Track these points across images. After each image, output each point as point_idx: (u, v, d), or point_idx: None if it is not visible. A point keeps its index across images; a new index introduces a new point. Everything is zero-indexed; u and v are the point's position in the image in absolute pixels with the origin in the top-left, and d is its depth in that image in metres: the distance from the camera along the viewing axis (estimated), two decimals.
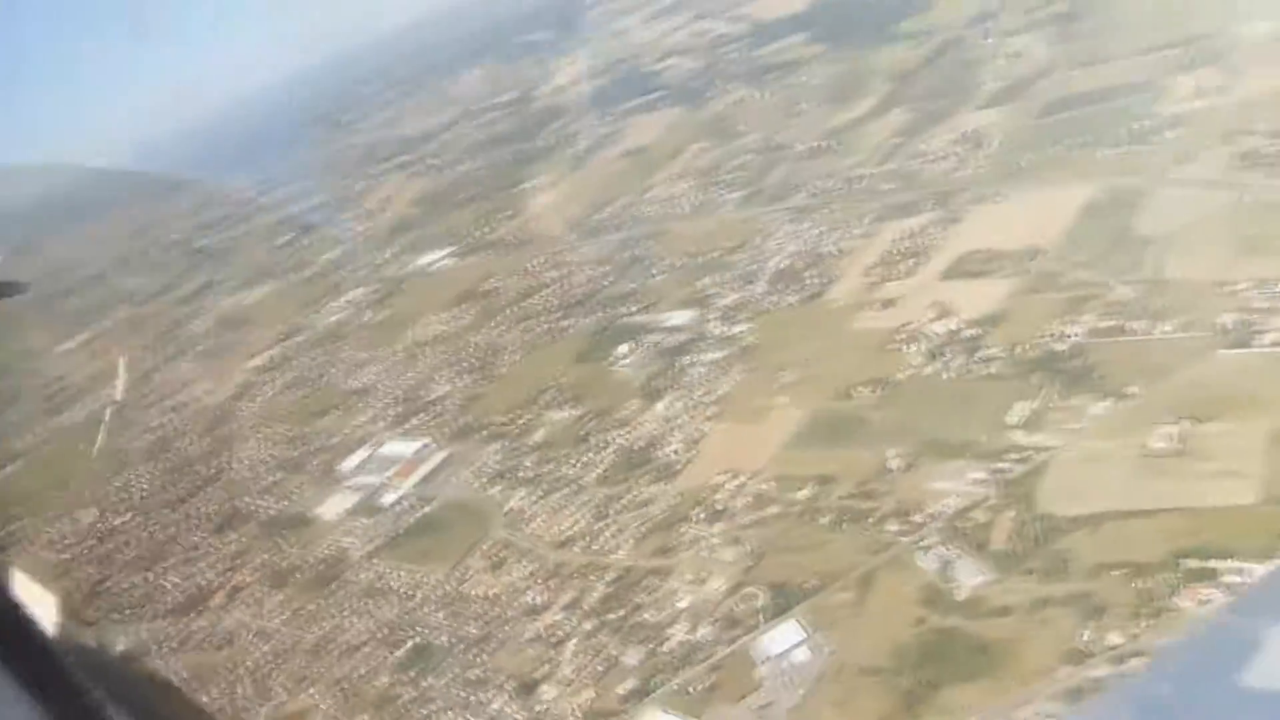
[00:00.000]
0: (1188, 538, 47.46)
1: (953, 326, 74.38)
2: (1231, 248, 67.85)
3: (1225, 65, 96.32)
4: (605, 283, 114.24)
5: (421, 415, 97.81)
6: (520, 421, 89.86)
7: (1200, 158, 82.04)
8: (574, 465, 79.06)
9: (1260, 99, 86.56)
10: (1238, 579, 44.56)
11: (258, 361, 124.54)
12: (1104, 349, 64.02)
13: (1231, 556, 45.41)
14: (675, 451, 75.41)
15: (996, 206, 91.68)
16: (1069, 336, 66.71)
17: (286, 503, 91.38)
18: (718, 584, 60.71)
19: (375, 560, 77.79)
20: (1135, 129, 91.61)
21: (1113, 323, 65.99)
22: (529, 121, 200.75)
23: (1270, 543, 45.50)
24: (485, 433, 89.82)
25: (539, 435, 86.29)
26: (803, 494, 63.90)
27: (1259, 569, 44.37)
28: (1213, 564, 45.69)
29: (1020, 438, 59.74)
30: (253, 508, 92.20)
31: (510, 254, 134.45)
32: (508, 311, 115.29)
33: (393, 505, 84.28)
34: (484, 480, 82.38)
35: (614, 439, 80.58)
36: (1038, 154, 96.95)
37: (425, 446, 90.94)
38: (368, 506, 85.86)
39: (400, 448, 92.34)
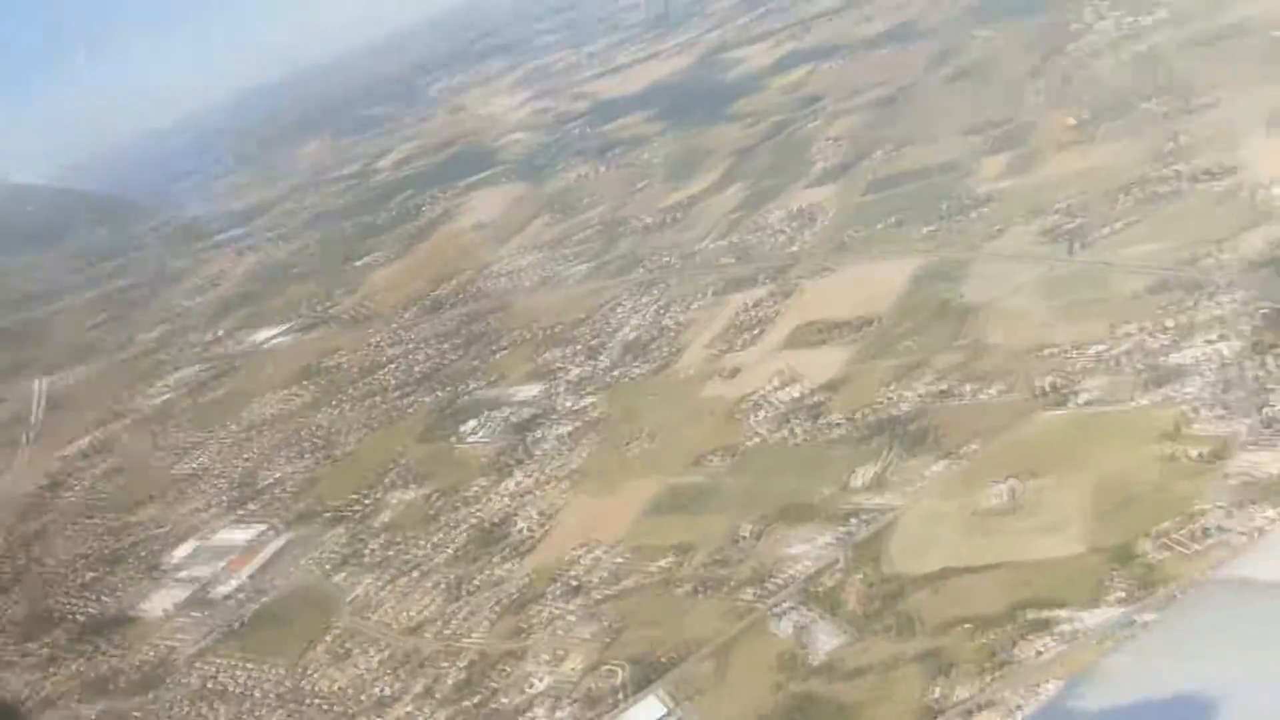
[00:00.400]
0: (1024, 590, 49.93)
1: (797, 394, 76.77)
2: (1044, 315, 73.23)
3: (1023, 149, 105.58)
4: (450, 358, 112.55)
5: (257, 500, 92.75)
6: (364, 503, 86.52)
7: (1010, 232, 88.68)
8: (423, 546, 76.44)
9: (1055, 180, 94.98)
10: (1070, 628, 47.14)
11: (75, 448, 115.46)
12: (938, 412, 67.37)
13: (1064, 606, 48.02)
14: (528, 527, 74.13)
15: (830, 279, 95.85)
16: (905, 401, 69.90)
17: (105, 602, 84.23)
18: (576, 662, 59.46)
19: (207, 659, 72.35)
20: (951, 206, 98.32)
21: (944, 387, 69.64)
22: (370, 195, 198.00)
23: (1096, 591, 48.47)
24: (327, 516, 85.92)
25: (385, 517, 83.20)
26: (660, 564, 63.83)
27: (1089, 617, 47.15)
28: (1047, 614, 48.10)
29: (866, 500, 61.76)
30: (66, 609, 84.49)
31: (350, 330, 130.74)
32: (349, 389, 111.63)
33: (227, 598, 79.04)
34: (327, 567, 78.50)
35: (464, 517, 78.57)
36: (865, 229, 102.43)
37: (262, 534, 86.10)
38: (198, 601, 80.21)
39: (234, 536, 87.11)
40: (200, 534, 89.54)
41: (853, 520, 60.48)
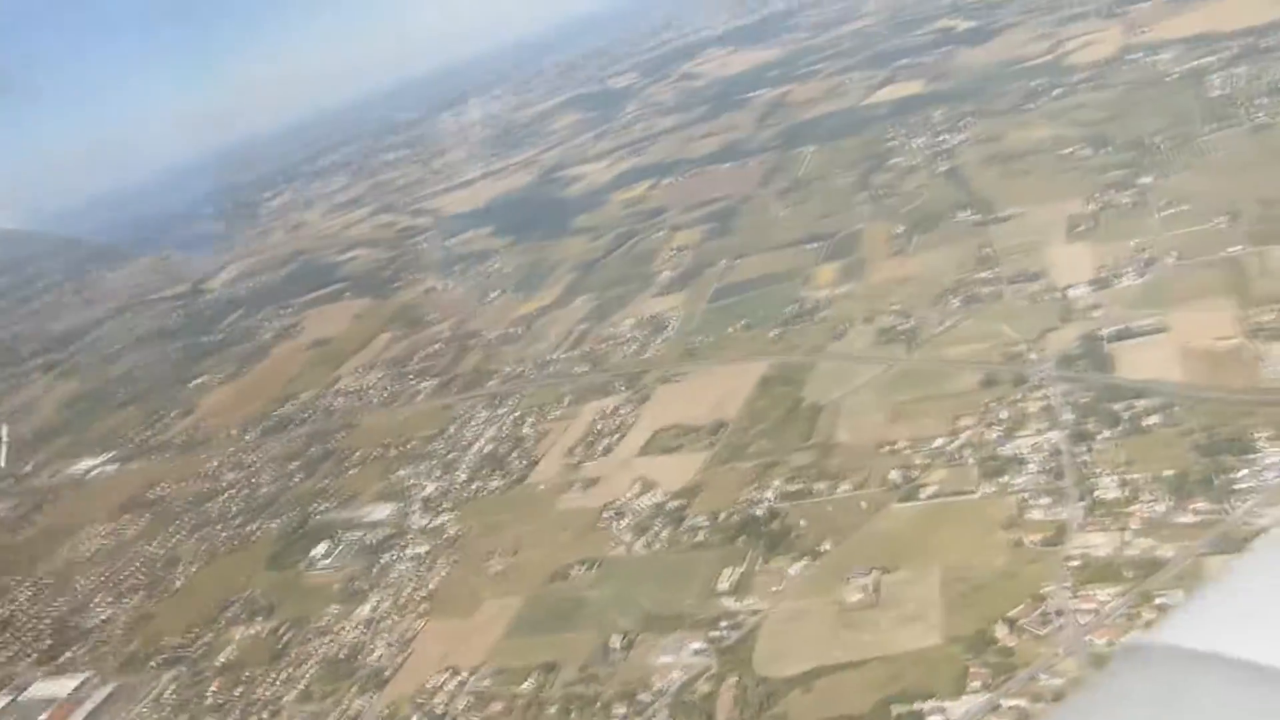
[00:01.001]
0: (891, 684, 50.61)
1: (657, 500, 76.89)
2: (887, 412, 76.67)
3: (853, 257, 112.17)
4: (296, 480, 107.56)
5: (79, 646, 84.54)
6: (202, 641, 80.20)
7: (850, 334, 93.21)
8: (271, 684, 71.14)
9: (885, 286, 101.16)
10: (939, 718, 47.96)
11: None
12: (795, 511, 68.77)
13: (930, 697, 48.92)
14: (385, 656, 70.23)
15: (682, 384, 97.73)
16: (763, 502, 71.08)
17: None
18: None
19: None
20: (792, 311, 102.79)
21: (799, 486, 71.37)
22: (202, 314, 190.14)
23: (959, 680, 49.65)
24: (161, 658, 79.04)
25: (227, 654, 77.21)
26: (526, 686, 61.47)
27: (954, 706, 48.13)
28: (916, 707, 48.83)
29: (732, 604, 61.77)
30: None
31: (184, 455, 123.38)
32: (184, 519, 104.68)
33: None
34: (161, 714, 71.73)
35: (315, 649, 73.85)
36: (713, 335, 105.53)
37: (85, 682, 78.14)
38: None
39: (52, 687, 78.66)
40: (11, 688, 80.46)
41: (721, 625, 60.25)
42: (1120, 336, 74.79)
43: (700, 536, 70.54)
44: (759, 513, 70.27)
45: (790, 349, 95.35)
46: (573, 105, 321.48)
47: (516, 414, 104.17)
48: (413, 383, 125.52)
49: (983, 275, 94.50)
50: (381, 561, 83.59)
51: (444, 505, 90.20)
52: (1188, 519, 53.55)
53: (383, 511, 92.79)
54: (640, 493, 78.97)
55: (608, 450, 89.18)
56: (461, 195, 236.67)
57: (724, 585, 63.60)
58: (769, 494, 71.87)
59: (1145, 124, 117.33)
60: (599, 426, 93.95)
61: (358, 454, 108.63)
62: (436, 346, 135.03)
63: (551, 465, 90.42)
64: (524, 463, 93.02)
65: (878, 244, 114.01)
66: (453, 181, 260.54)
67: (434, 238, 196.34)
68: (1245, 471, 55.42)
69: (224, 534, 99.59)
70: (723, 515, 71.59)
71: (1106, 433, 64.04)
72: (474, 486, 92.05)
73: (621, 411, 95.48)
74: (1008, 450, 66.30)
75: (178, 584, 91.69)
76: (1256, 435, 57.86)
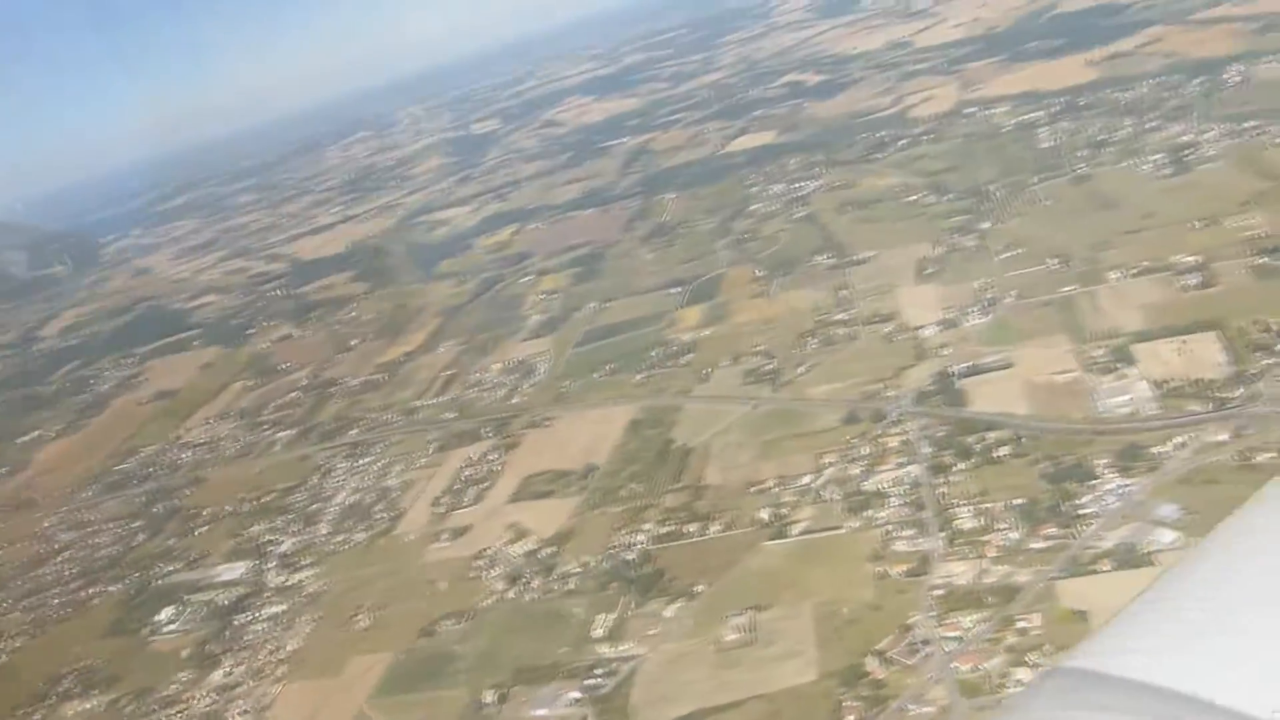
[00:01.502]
0: None
1: (529, 547, 75.60)
2: (755, 452, 77.95)
3: (717, 300, 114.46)
4: (139, 540, 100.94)
5: None
6: None
7: (715, 376, 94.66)
8: None
9: (748, 328, 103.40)
10: None
11: None
12: (668, 553, 68.86)
13: None
14: None
15: (551, 429, 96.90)
16: (636, 545, 70.86)
17: None
18: None
19: None
20: (659, 354, 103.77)
21: (671, 528, 71.51)
22: (33, 365, 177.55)
23: (834, 715, 50.36)
24: None
25: None
26: None
27: None
28: None
29: (607, 650, 61.05)
30: None
31: (13, 517, 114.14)
32: (11, 586, 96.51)
33: None
34: None
35: None
36: (581, 379, 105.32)
37: None
38: None
39: None
40: None
41: (597, 672, 59.41)
42: (970, 373, 78.66)
43: (573, 583, 69.61)
44: (632, 557, 70.01)
45: (658, 392, 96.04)
46: (435, 150, 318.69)
47: (381, 463, 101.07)
48: (268, 433, 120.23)
49: (841, 316, 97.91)
50: (235, 623, 79.08)
51: (304, 561, 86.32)
52: (1039, 545, 56.30)
53: (236, 570, 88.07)
54: (511, 540, 77.53)
55: (477, 498, 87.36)
56: (319, 240, 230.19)
57: (599, 632, 62.86)
58: (641, 537, 71.73)
59: (982, 173, 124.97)
60: (467, 474, 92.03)
61: (207, 511, 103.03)
62: (294, 395, 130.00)
63: (419, 515, 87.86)
64: (390, 513, 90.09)
65: (740, 287, 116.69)
66: (309, 225, 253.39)
67: (290, 283, 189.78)
68: (1088, 497, 58.82)
69: (57, 600, 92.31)
70: (595, 561, 70.94)
71: (962, 465, 66.89)
72: (337, 540, 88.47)
73: (490, 458, 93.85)
74: (871, 485, 68.34)
75: (1, 659, 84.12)
76: (1097, 463, 61.63)
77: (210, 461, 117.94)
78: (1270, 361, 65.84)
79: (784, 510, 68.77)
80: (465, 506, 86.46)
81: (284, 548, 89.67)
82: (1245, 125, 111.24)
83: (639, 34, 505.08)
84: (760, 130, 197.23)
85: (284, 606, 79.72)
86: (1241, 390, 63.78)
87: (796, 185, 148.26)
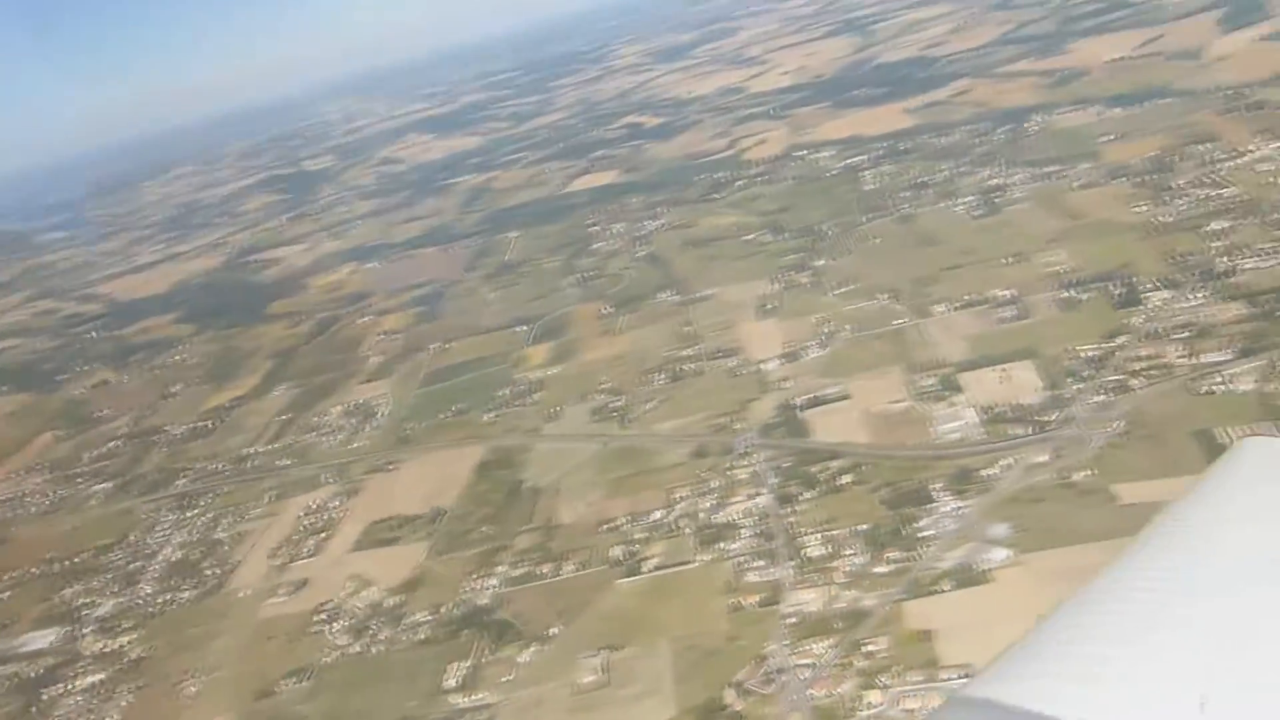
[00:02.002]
0: None
1: (374, 598, 72.49)
2: (605, 490, 77.67)
3: (563, 338, 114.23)
4: None
5: None
6: None
7: (564, 415, 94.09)
8: None
9: (595, 365, 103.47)
10: None
11: None
12: (521, 597, 67.39)
13: None
14: None
15: (396, 473, 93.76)
16: (488, 590, 69.07)
17: None
18: None
19: None
20: (507, 393, 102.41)
21: (524, 570, 70.12)
22: None
23: None
24: None
25: None
26: None
27: None
28: None
29: (460, 700, 59.04)
30: None
31: None
32: None
33: None
34: None
35: None
36: (426, 420, 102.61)
37: None
38: None
39: None
40: None
41: None
42: (811, 404, 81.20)
43: (423, 633, 67.11)
44: (484, 601, 68.20)
45: (507, 431, 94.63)
46: (266, 186, 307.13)
47: (210, 516, 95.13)
48: (83, 486, 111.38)
49: (686, 352, 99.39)
50: (44, 698, 72.19)
51: (124, 624, 79.88)
52: (884, 569, 58.24)
53: (45, 638, 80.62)
54: (355, 591, 74.18)
55: (317, 548, 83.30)
56: (139, 279, 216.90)
57: (451, 682, 60.72)
58: (493, 581, 70.02)
59: (814, 213, 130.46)
60: (306, 523, 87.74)
61: (11, 574, 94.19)
62: (112, 445, 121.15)
63: (253, 569, 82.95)
64: (221, 569, 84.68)
65: (587, 325, 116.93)
66: (128, 264, 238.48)
67: (106, 325, 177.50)
68: (927, 520, 61.39)
69: None
70: (446, 608, 68.68)
71: (808, 494, 68.67)
72: (161, 600, 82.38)
73: (331, 506, 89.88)
74: (721, 518, 69.15)
75: None
76: (933, 487, 64.47)
77: (15, 519, 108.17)
78: (1081, 386, 70.89)
79: (637, 547, 68.63)
80: (304, 558, 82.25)
81: (101, 611, 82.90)
82: (1046, 169, 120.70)
83: (475, 74, 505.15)
84: (602, 170, 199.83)
85: (102, 675, 73.45)
86: (1058, 414, 68.36)
87: (639, 224, 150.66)
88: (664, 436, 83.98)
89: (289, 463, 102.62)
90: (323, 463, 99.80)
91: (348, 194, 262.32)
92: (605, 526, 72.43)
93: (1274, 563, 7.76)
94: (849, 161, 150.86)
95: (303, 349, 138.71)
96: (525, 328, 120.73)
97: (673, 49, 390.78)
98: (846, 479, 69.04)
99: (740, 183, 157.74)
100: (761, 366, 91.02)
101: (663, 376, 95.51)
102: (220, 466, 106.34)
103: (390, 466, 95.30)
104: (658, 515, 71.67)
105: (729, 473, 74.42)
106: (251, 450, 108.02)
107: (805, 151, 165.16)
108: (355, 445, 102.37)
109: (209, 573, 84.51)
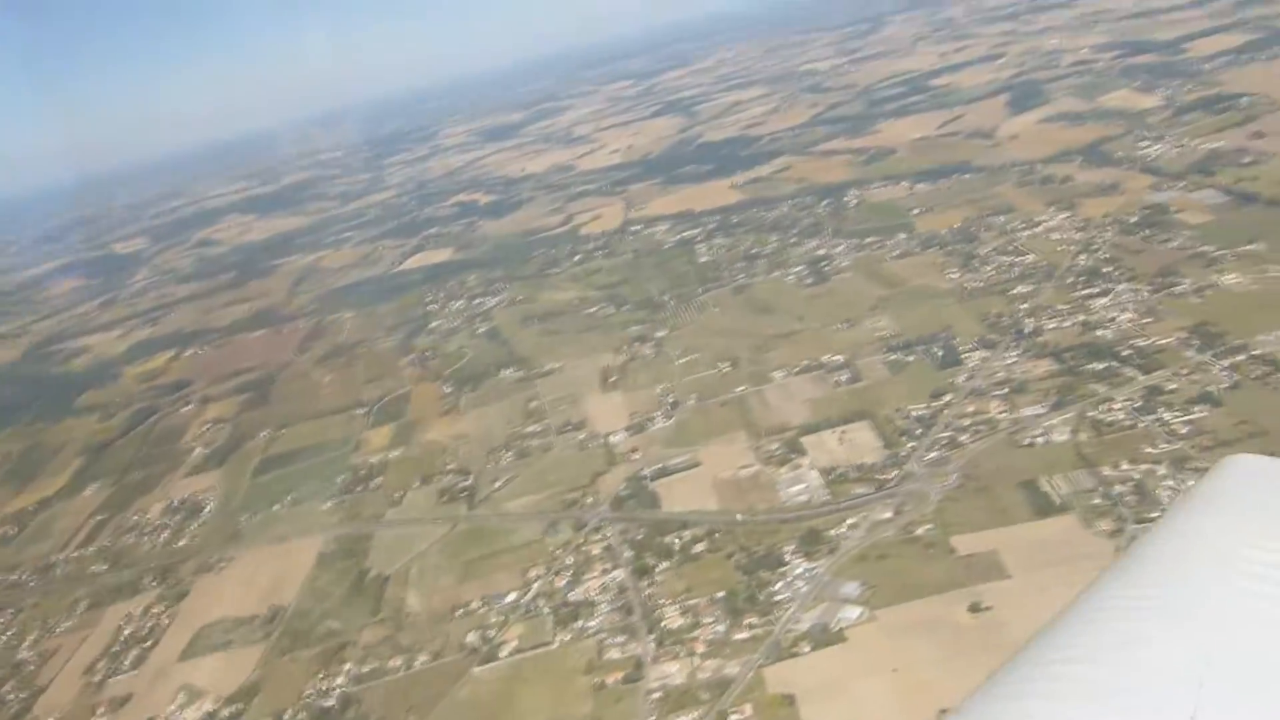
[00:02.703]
0: None
1: (206, 710, 66.96)
2: (456, 574, 75.15)
3: (404, 419, 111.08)
4: None
5: None
6: None
7: (408, 498, 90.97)
8: None
9: (439, 445, 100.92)
10: None
11: None
12: (371, 694, 63.76)
13: None
14: None
15: (228, 571, 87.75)
16: (334, 690, 65.08)
17: None
18: None
19: None
20: (347, 479, 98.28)
21: (373, 665, 66.52)
22: None
23: None
24: None
25: None
26: None
27: None
28: None
29: None
30: None
31: None
32: None
33: None
34: None
35: None
36: (260, 513, 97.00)
37: None
38: None
39: None
40: None
41: None
42: (661, 474, 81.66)
43: None
44: (330, 703, 64.17)
45: (348, 519, 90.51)
46: (70, 271, 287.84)
47: (10, 634, 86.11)
48: None
49: (532, 428, 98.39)
50: None
51: None
52: (744, 635, 58.46)
53: None
54: (185, 704, 68.37)
55: (140, 660, 76.44)
56: None
57: None
58: (340, 680, 66.05)
59: (653, 285, 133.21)
60: (127, 633, 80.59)
61: None
62: None
63: (65, 689, 75.20)
64: (25, 692, 76.39)
65: (428, 405, 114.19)
66: None
67: None
68: (781, 584, 62.30)
69: None
70: (289, 714, 64.20)
71: (664, 565, 68.50)
72: None
73: (154, 612, 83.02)
74: (578, 595, 67.98)
75: None
76: (784, 550, 65.67)
77: None
78: (914, 444, 74.40)
79: (492, 632, 66.41)
80: (126, 672, 75.27)
81: None
82: (866, 240, 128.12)
83: (297, 154, 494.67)
84: (436, 248, 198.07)
85: None
86: (896, 471, 71.36)
87: (477, 301, 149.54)
88: (515, 515, 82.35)
89: (104, 568, 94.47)
90: (143, 566, 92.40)
91: (161, 278, 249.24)
92: (459, 612, 69.89)
93: (1257, 579, 8.01)
94: (683, 235, 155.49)
95: (118, 443, 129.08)
96: (363, 410, 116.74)
97: (501, 128, 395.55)
98: (701, 547, 69.39)
99: (578, 257, 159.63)
100: (609, 439, 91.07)
101: (510, 454, 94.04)
102: (22, 577, 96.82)
103: (220, 565, 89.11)
104: (513, 597, 69.79)
105: (583, 548, 73.52)
106: (60, 557, 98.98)
107: (640, 226, 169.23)
108: (180, 544, 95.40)
109: (9, 699, 76.02)
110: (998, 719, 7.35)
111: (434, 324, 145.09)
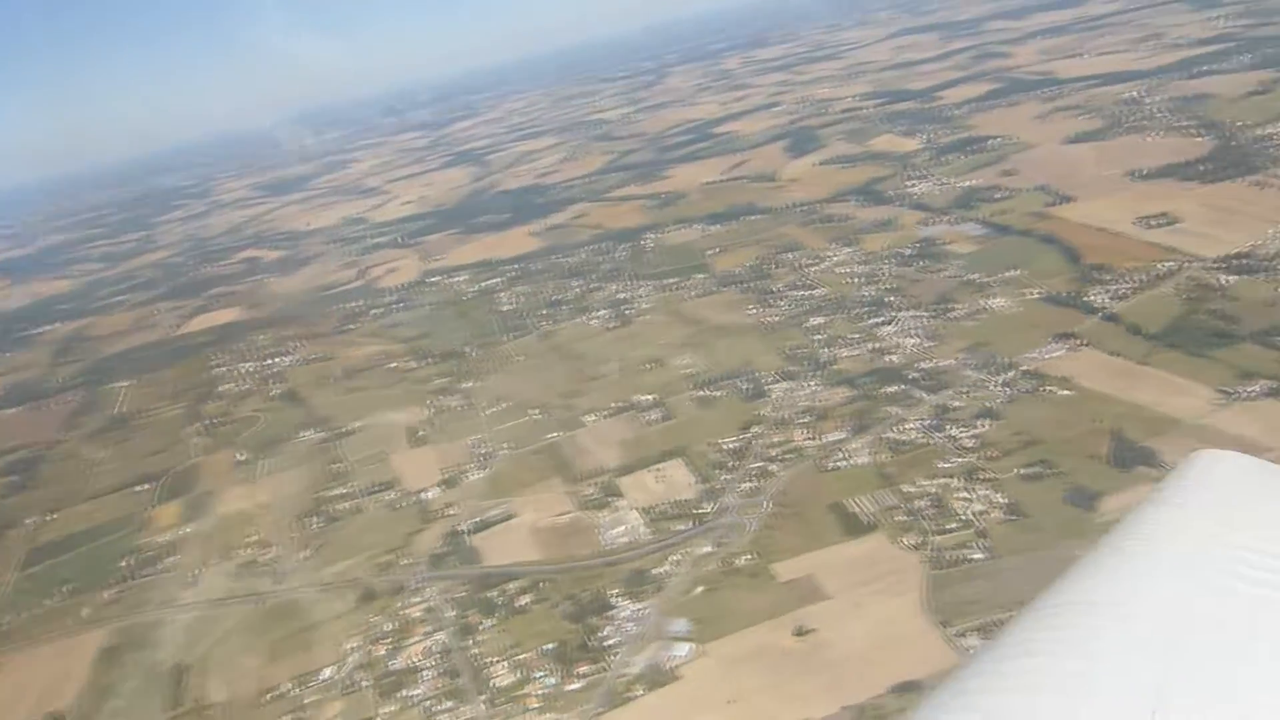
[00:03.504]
0: None
1: None
2: (265, 655, 69.95)
3: (196, 493, 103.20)
4: None
5: None
6: None
7: (206, 578, 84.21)
8: None
9: (239, 517, 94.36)
10: None
11: None
12: None
13: None
14: None
15: None
16: None
17: None
18: None
19: None
20: (133, 562, 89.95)
21: None
22: None
23: None
24: None
25: None
26: None
27: None
28: None
29: None
30: None
31: None
32: None
33: None
34: None
35: None
36: (27, 611, 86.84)
37: None
38: None
39: None
40: None
41: None
42: (479, 528, 79.66)
43: None
44: None
45: (135, 607, 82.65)
46: None
47: None
48: None
49: (339, 491, 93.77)
50: None
51: None
52: (576, 685, 57.46)
53: None
54: None
55: None
56: None
57: None
58: None
59: (456, 336, 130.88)
60: None
61: None
62: None
63: None
64: None
65: (221, 475, 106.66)
66: None
67: None
68: (609, 629, 61.80)
69: None
70: None
71: (488, 621, 66.54)
72: None
73: None
74: (400, 663, 64.89)
75: None
76: (610, 593, 65.28)
77: None
78: (729, 477, 76.17)
79: (308, 713, 62.16)
80: None
81: None
82: (666, 281, 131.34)
83: (52, 213, 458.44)
84: (221, 308, 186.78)
85: None
86: (714, 505, 72.69)
87: (270, 361, 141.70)
88: (326, 585, 77.81)
89: None
90: None
91: None
92: (269, 696, 65.02)
93: (1223, 574, 8.16)
94: (484, 284, 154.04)
95: None
96: (148, 486, 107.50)
97: (286, 182, 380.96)
98: (526, 599, 67.94)
99: (376, 311, 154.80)
100: (422, 496, 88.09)
101: (317, 520, 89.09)
102: None
103: None
104: (329, 673, 65.69)
105: (403, 613, 70.31)
106: None
107: (439, 277, 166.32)
108: None
109: None
110: (952, 714, 7.17)
111: (223, 388, 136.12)
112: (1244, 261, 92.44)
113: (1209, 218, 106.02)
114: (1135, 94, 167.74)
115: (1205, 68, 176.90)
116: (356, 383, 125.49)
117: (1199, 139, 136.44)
